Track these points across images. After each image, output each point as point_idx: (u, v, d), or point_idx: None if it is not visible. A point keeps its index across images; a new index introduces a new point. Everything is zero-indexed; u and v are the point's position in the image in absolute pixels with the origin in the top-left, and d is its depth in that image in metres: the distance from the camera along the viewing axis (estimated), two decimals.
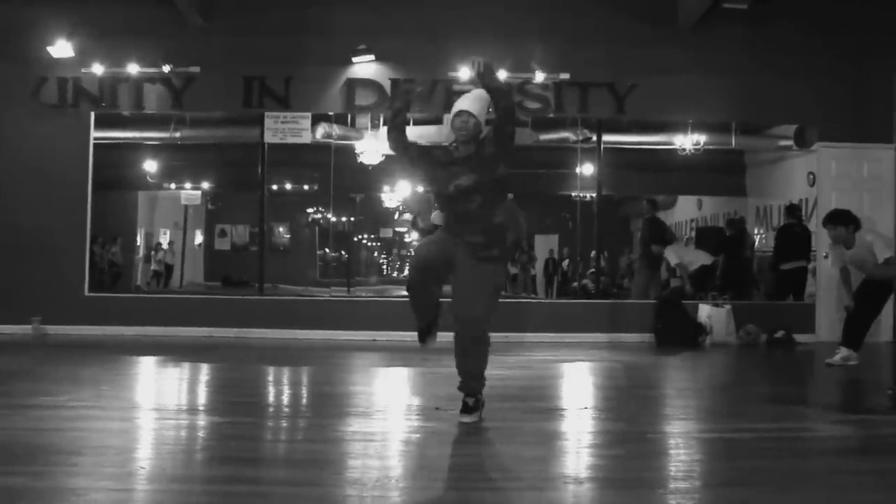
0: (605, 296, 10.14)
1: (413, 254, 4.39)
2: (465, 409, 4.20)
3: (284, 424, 4.49)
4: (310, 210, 13.08)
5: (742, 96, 8.91)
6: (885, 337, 8.54)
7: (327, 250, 12.79)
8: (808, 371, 7.24)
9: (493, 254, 4.14)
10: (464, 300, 4.08)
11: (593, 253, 10.38)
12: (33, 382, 5.45)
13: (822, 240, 8.22)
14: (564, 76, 8.77)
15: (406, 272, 4.26)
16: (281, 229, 13.09)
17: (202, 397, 5.50)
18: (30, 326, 8.45)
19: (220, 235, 12.74)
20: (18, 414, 4.32)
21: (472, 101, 4.20)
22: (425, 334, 4.46)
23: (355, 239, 13.61)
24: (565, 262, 12.81)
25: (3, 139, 8.79)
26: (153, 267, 12.34)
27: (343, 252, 12.93)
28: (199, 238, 12.94)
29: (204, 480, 3.21)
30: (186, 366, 6.67)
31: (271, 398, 5.55)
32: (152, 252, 12.35)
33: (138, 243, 12.03)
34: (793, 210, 9.23)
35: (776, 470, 3.37)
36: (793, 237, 9.07)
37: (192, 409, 4.88)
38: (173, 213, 12.61)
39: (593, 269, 10.47)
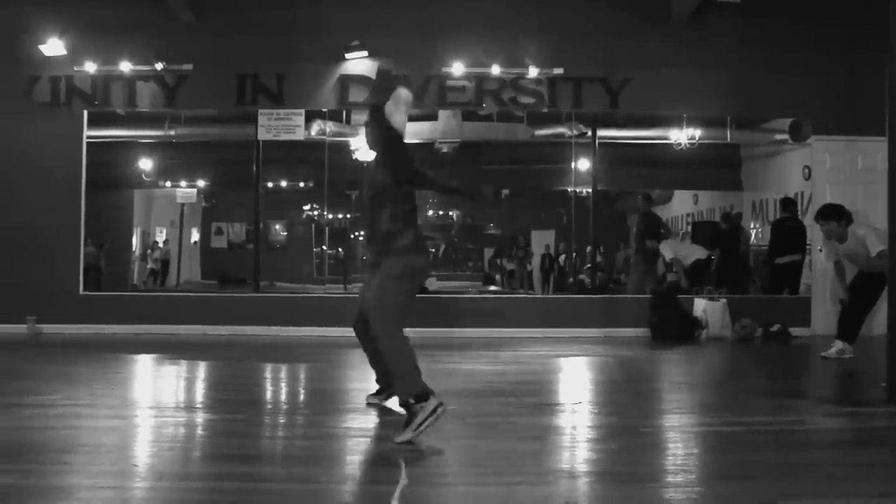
0: (601, 291, 10.13)
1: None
2: (405, 423, 3.65)
3: (281, 421, 4.48)
4: (306, 207, 13.06)
5: (736, 90, 8.89)
6: (879, 330, 8.52)
7: (324, 247, 12.77)
8: (803, 364, 7.24)
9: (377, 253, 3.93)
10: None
11: (589, 248, 10.38)
12: (26, 381, 5.43)
13: (817, 233, 8.21)
14: (558, 71, 8.76)
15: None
16: (277, 227, 13.07)
17: (197, 395, 5.48)
18: (24, 326, 8.43)
19: (217, 233, 12.71)
20: (10, 413, 4.30)
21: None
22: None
23: (352, 236, 13.59)
24: (562, 258, 12.82)
25: None
26: (150, 265, 12.33)
27: (340, 249, 12.91)
28: (195, 236, 12.93)
29: (197, 478, 3.19)
30: (182, 363, 6.64)
31: (267, 395, 5.53)
32: (149, 251, 12.34)
33: (134, 242, 12.01)
34: (787, 204, 9.25)
35: (770, 463, 3.37)
36: (787, 231, 9.10)
37: (186, 407, 4.86)
38: (169, 212, 12.59)
39: (590, 265, 10.46)
